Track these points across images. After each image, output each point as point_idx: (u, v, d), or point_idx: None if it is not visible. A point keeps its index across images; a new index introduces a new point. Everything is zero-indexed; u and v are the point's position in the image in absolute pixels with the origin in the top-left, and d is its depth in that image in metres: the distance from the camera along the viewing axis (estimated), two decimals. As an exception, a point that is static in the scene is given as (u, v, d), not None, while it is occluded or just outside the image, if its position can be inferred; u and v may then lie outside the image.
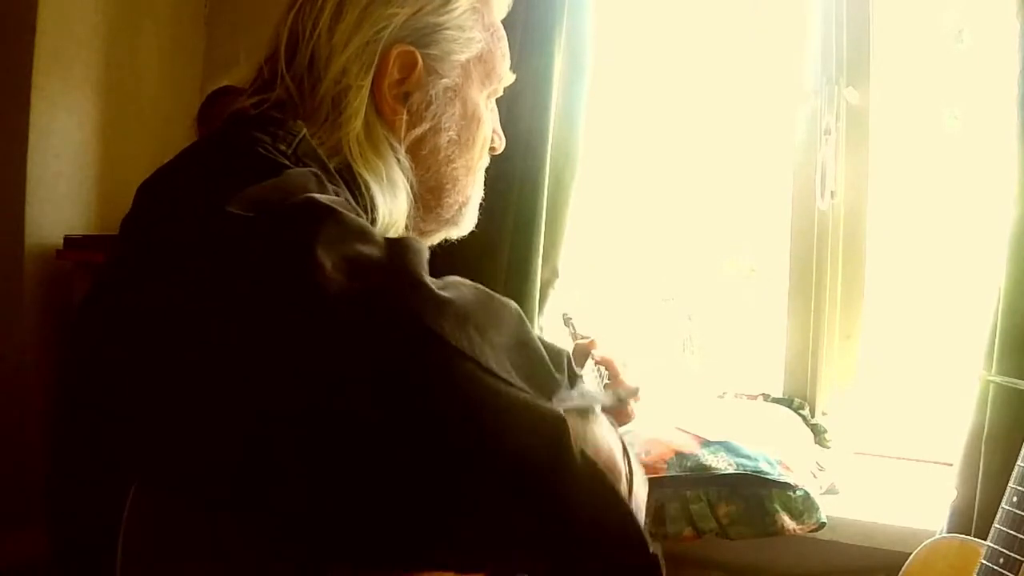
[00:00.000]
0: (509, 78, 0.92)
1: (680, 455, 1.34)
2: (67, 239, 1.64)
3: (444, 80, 0.82)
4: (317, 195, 0.61)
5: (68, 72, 1.67)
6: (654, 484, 1.32)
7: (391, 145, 0.79)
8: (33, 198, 1.62)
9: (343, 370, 0.54)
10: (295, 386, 0.54)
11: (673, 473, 1.32)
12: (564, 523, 0.56)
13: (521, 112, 1.48)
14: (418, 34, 0.80)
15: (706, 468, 1.31)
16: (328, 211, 0.59)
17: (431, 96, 0.82)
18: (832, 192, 1.52)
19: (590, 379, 1.14)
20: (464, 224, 0.91)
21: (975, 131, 1.52)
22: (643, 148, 1.81)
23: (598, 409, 0.64)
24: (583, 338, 1.23)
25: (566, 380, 0.61)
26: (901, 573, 1.19)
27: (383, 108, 0.79)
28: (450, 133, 0.84)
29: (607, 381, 1.15)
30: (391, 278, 0.57)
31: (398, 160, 0.80)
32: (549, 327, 1.54)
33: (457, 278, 0.60)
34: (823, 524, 1.30)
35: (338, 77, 0.77)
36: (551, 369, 0.60)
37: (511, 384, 0.55)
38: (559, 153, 1.53)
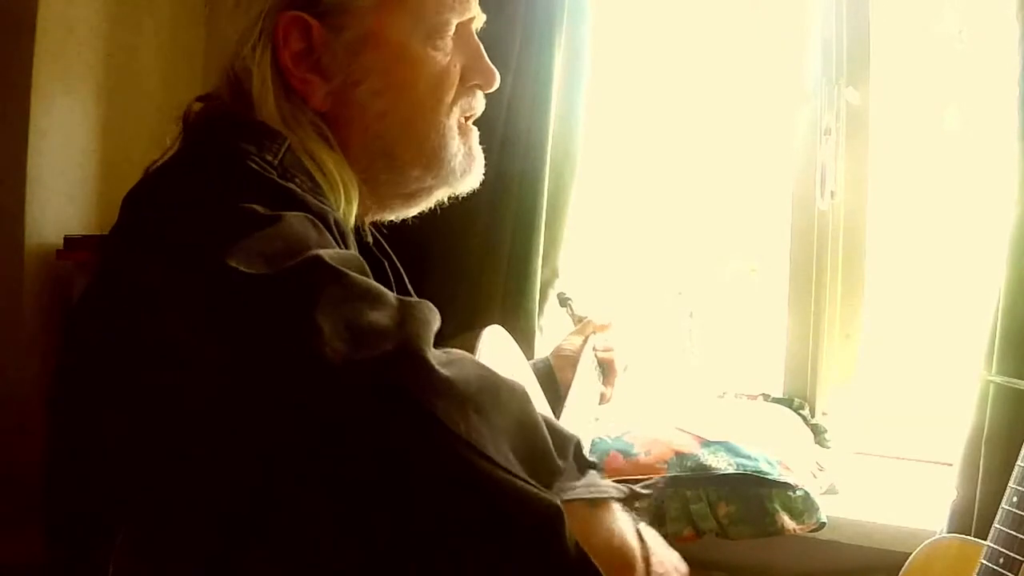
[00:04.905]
0: (464, 9, 0.83)
1: (680, 455, 1.33)
2: (67, 239, 1.64)
3: (346, 32, 0.77)
4: (322, 252, 0.58)
5: (68, 72, 1.67)
6: (654, 484, 1.32)
7: (306, 118, 0.76)
8: (33, 198, 1.61)
9: (331, 441, 0.52)
10: (285, 453, 0.53)
11: (673, 473, 1.31)
12: None
13: (521, 112, 1.48)
14: None
15: (706, 468, 1.31)
16: (333, 273, 0.57)
17: (335, 51, 0.78)
18: (832, 192, 1.52)
19: (588, 368, 1.14)
20: (456, 178, 0.84)
21: (975, 131, 1.52)
22: (643, 148, 1.81)
23: (610, 499, 0.62)
24: (581, 319, 1.23)
25: (572, 466, 0.59)
26: (901, 573, 1.19)
27: (293, 82, 0.77)
28: (370, 84, 0.78)
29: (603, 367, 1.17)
30: (392, 351, 0.55)
31: (316, 126, 0.77)
32: (549, 327, 1.54)
33: (463, 354, 0.59)
34: (823, 524, 1.30)
35: (239, 62, 0.76)
36: (554, 456, 0.58)
37: (507, 470, 0.54)
38: (559, 153, 1.52)
